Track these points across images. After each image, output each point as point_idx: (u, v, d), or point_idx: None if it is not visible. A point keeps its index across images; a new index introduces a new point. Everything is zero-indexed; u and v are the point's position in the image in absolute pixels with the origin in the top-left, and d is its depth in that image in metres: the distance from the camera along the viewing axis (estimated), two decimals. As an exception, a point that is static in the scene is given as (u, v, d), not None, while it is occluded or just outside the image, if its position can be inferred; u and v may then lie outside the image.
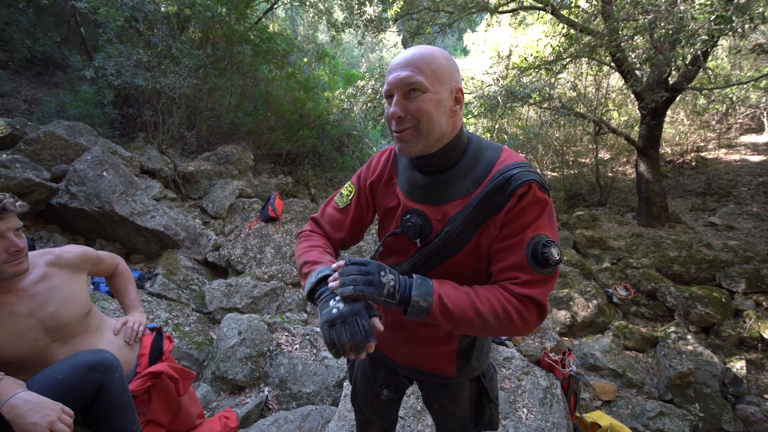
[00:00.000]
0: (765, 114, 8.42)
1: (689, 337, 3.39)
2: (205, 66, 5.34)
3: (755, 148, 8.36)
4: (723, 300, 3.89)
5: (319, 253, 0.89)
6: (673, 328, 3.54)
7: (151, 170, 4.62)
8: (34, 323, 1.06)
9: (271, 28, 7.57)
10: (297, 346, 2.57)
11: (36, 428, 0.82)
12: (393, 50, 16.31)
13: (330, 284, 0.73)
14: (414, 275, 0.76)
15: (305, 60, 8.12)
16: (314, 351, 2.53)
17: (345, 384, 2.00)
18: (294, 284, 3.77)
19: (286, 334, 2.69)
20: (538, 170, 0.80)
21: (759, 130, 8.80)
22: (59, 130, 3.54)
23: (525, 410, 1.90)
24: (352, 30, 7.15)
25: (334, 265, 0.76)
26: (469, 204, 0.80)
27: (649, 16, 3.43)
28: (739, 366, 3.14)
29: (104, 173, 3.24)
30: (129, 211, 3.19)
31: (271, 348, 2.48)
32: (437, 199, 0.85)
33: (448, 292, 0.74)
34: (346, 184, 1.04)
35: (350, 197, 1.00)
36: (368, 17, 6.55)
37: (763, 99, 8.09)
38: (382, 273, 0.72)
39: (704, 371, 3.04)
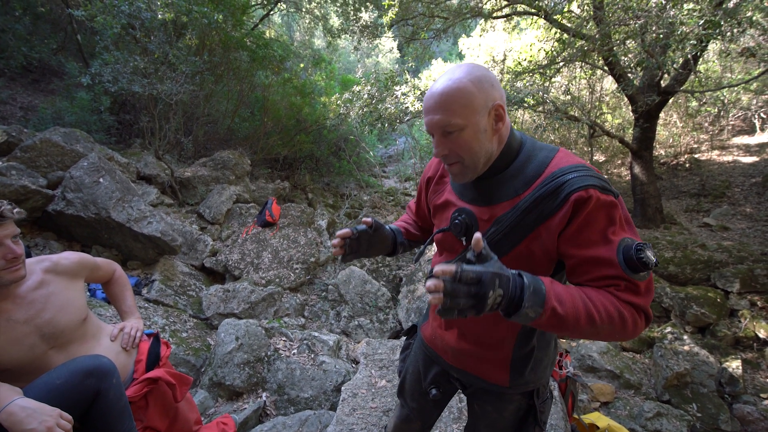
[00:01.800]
0: (756, 116, 8.54)
1: (685, 337, 3.41)
2: (202, 72, 5.36)
3: (747, 149, 8.47)
4: (718, 300, 3.92)
5: (398, 222, 1.17)
6: (669, 329, 3.56)
7: (148, 176, 4.62)
8: (31, 330, 1.06)
9: (267, 35, 7.61)
10: (295, 351, 2.57)
11: None
12: (389, 55, 16.42)
13: (430, 298, 0.63)
14: (523, 274, 0.67)
15: (302, 65, 8.17)
16: (312, 356, 2.53)
17: (343, 388, 2.01)
18: (291, 289, 3.77)
19: (284, 339, 2.69)
20: (598, 172, 0.81)
21: (750, 131, 8.92)
22: (55, 137, 3.54)
23: (523, 412, 1.90)
24: (348, 36, 7.21)
25: (437, 269, 0.63)
26: (517, 206, 0.79)
27: (640, 21, 3.49)
28: (735, 366, 3.16)
29: (101, 180, 3.24)
30: (126, 218, 3.18)
31: (268, 353, 2.48)
32: (486, 200, 0.85)
33: (561, 297, 0.67)
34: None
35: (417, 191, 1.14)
36: (364, 23, 6.61)
37: (754, 101, 8.21)
38: (491, 292, 0.62)
39: (701, 371, 3.06)
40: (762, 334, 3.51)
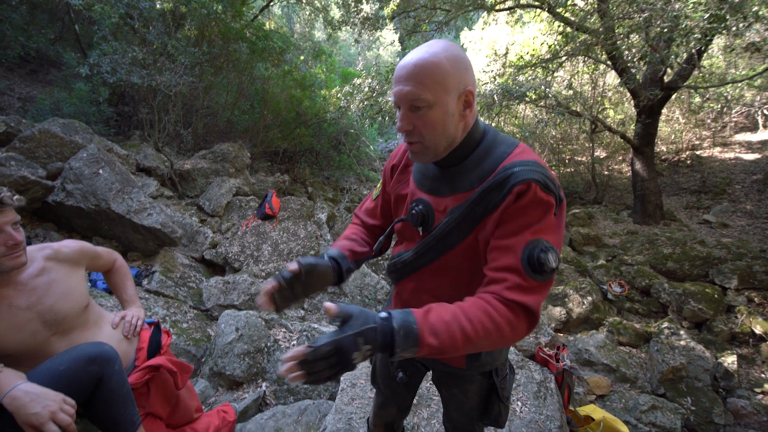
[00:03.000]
0: (759, 112, 8.51)
1: (682, 332, 3.44)
2: (201, 64, 5.33)
3: (749, 146, 8.45)
4: (716, 296, 3.95)
5: (339, 240, 1.03)
6: (666, 324, 3.58)
7: (148, 168, 4.61)
8: (33, 316, 1.07)
9: (267, 26, 7.55)
10: (294, 342, 2.59)
11: (38, 419, 0.83)
12: (390, 48, 16.28)
13: (290, 377, 0.62)
14: (393, 318, 0.67)
15: (302, 58, 8.11)
16: (311, 347, 2.55)
17: (342, 379, 2.03)
18: (291, 281, 3.79)
19: (284, 330, 2.71)
20: (549, 170, 0.80)
21: (753, 128, 8.89)
22: (54, 128, 3.52)
23: (519, 403, 1.93)
24: (348, 28, 7.14)
25: (287, 357, 0.62)
26: (468, 199, 0.80)
27: (645, 14, 3.46)
28: (730, 360, 3.19)
29: (100, 171, 3.23)
30: (125, 209, 3.19)
31: (268, 344, 2.50)
32: (442, 191, 0.85)
33: (436, 329, 0.67)
34: (380, 180, 1.11)
35: (380, 189, 1.08)
36: (365, 15, 6.55)
37: (758, 97, 8.16)
38: (355, 353, 0.63)
39: (696, 366, 3.09)
40: (758, 330, 3.54)
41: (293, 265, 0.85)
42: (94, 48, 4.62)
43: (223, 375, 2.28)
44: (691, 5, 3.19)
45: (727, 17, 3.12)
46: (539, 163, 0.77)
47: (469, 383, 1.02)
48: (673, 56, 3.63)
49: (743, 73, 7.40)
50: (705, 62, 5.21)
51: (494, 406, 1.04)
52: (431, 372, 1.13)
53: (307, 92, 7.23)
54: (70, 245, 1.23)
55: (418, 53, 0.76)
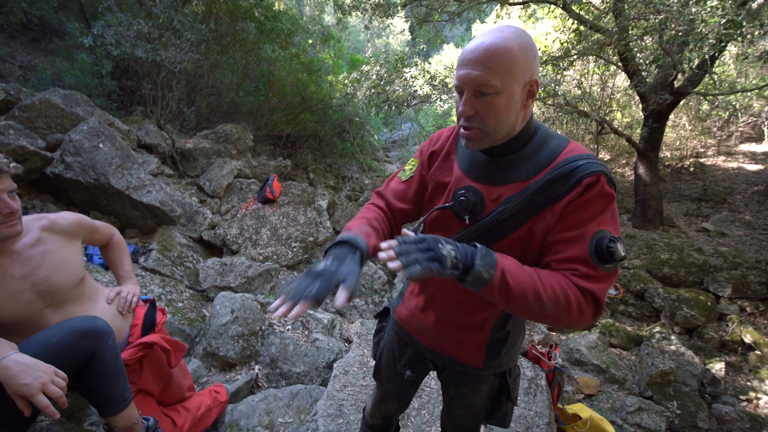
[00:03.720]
0: (766, 123, 8.45)
1: (673, 337, 3.47)
2: (208, 41, 5.23)
3: (753, 156, 8.41)
4: (709, 304, 3.97)
5: (360, 223, 0.90)
6: (658, 329, 3.61)
7: (149, 145, 4.57)
8: (27, 287, 1.06)
9: (276, 7, 7.39)
10: (289, 327, 2.60)
11: (29, 390, 0.83)
12: (400, 37, 16.03)
13: (390, 264, 0.65)
14: (476, 243, 0.71)
15: (310, 42, 7.97)
16: (306, 333, 2.56)
17: (335, 365, 2.04)
18: (288, 266, 3.79)
19: (279, 314, 2.71)
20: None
21: (759, 139, 8.84)
22: (55, 99, 3.47)
23: (509, 399, 1.95)
24: (359, 13, 7.00)
25: (384, 244, 0.68)
26: (528, 188, 0.78)
27: (660, 16, 3.39)
28: (718, 367, 3.22)
29: (100, 145, 3.19)
30: (125, 185, 3.16)
31: (263, 327, 2.51)
32: (495, 180, 0.83)
33: (512, 269, 0.69)
34: (410, 160, 1.03)
35: (413, 170, 1.00)
36: (376, 1, 6.42)
37: (766, 108, 8.10)
38: (441, 245, 0.67)
39: (685, 371, 3.12)
40: (748, 339, 3.57)
41: (344, 295, 0.67)
42: (98, 18, 4.52)
43: (216, 356, 2.30)
44: (709, 9, 3.12)
45: (744, 24, 3.07)
46: (597, 157, 0.78)
47: (482, 383, 1.00)
48: (686, 61, 3.57)
49: (753, 82, 7.32)
50: (716, 69, 5.15)
51: (503, 406, 1.03)
52: (440, 375, 1.09)
53: (314, 77, 7.13)
54: (67, 217, 1.21)
55: (489, 37, 0.73)
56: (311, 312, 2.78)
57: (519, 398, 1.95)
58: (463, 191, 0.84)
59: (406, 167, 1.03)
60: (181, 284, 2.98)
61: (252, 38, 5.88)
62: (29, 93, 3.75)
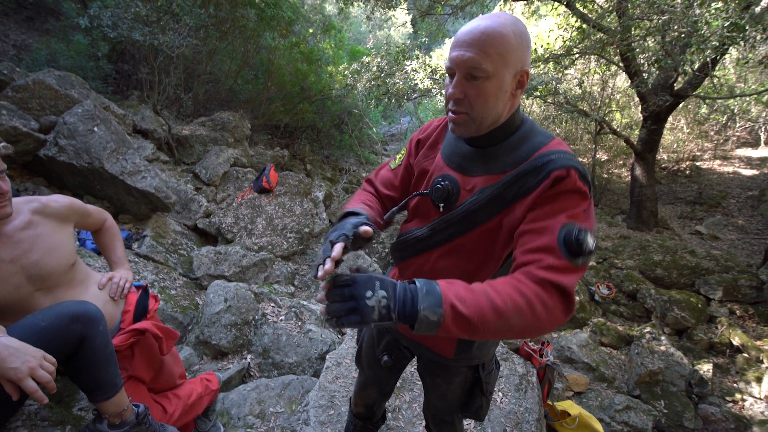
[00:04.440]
0: (763, 129, 8.50)
1: (663, 338, 3.51)
2: (207, 26, 5.14)
3: (749, 161, 8.48)
4: (699, 306, 4.02)
5: (355, 202, 0.92)
6: (648, 329, 3.65)
7: (145, 130, 4.50)
8: (17, 270, 1.04)
9: (277, -6, 7.27)
10: (282, 317, 2.60)
11: (16, 374, 0.81)
12: (401, 29, 15.88)
13: (319, 308, 0.65)
14: (416, 280, 0.65)
15: (310, 31, 7.86)
16: (299, 323, 2.56)
17: (328, 357, 2.04)
18: (283, 257, 3.78)
19: (273, 305, 2.71)
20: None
21: (755, 144, 8.91)
22: (49, 80, 3.40)
23: (500, 394, 1.96)
24: (361, 4, 6.91)
25: (322, 285, 0.66)
26: (501, 180, 0.78)
27: (664, 17, 3.38)
28: (706, 369, 3.27)
29: (95, 128, 3.14)
30: (119, 170, 3.12)
31: (256, 317, 2.50)
32: (473, 170, 0.83)
33: (461, 295, 0.62)
34: (402, 149, 1.05)
35: (402, 159, 1.02)
36: (379, -9, 6.33)
37: (764, 113, 8.15)
38: (369, 293, 0.61)
39: (673, 371, 3.17)
40: (736, 342, 3.63)
41: (366, 228, 0.75)
42: (94, -1, 4.42)
43: (209, 344, 2.29)
44: (713, 11, 3.11)
45: (747, 27, 3.06)
46: (574, 155, 0.76)
47: (454, 375, 1.01)
48: (687, 63, 3.56)
49: (753, 87, 7.34)
50: (717, 72, 5.16)
51: (476, 400, 1.04)
52: (418, 365, 1.12)
53: (314, 67, 7.05)
54: (59, 200, 1.19)
55: (486, 21, 0.72)
56: (305, 303, 2.78)
57: (510, 394, 1.97)
58: (440, 179, 0.85)
59: (397, 156, 1.05)
60: (175, 272, 2.96)
61: (252, 25, 5.79)
62: (23, 73, 3.67)
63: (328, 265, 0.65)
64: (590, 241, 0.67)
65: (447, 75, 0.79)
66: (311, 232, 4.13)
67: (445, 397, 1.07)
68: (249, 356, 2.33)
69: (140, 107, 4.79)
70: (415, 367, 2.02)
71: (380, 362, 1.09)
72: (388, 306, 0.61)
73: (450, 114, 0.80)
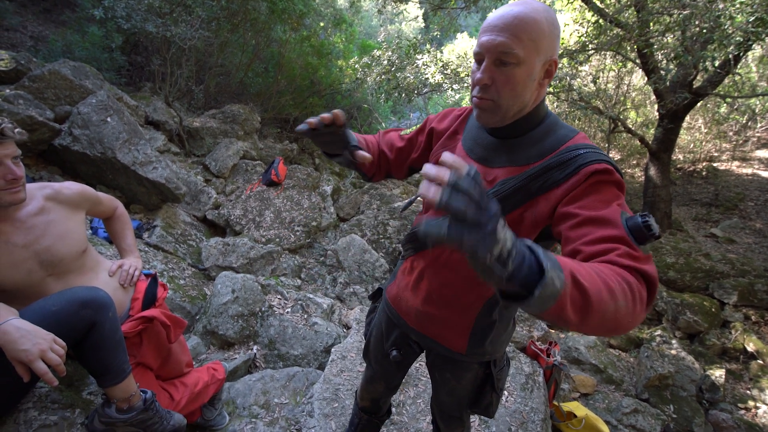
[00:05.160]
0: (785, 130, 8.23)
1: (674, 342, 3.44)
2: (218, 19, 5.15)
3: (769, 163, 8.23)
4: (713, 310, 3.93)
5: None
6: (659, 332, 3.59)
7: (156, 122, 4.55)
8: (30, 255, 1.05)
9: (289, -13, 7.24)
10: (289, 309, 2.61)
11: (27, 355, 0.83)
12: (413, 24, 15.74)
13: (427, 192, 0.46)
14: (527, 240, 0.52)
15: (321, 24, 7.82)
16: (305, 316, 2.57)
17: (333, 350, 2.04)
18: (290, 250, 3.79)
19: (279, 297, 2.72)
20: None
21: (776, 145, 8.63)
22: (65, 70, 3.45)
23: (506, 393, 1.94)
24: (373, -3, 6.85)
25: (450, 158, 0.49)
26: (525, 173, 0.76)
27: (685, 11, 3.27)
28: (718, 374, 3.20)
29: (108, 119, 3.18)
30: (131, 160, 3.15)
31: (263, 309, 2.52)
32: (494, 161, 0.82)
33: (574, 265, 0.51)
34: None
35: (412, 130, 1.04)
36: (391, -15, 6.26)
37: (786, 114, 7.88)
38: (499, 224, 0.45)
39: (683, 375, 3.11)
40: (750, 348, 3.54)
41: (327, 115, 0.83)
42: (109, -9, 4.45)
43: (215, 334, 2.31)
44: (738, 5, 3.00)
45: (774, 23, 2.95)
46: (600, 149, 0.74)
47: (465, 370, 1.00)
48: (709, 59, 3.45)
49: (776, 86, 7.10)
50: (739, 70, 5.00)
51: (486, 396, 1.03)
52: (427, 359, 1.10)
53: (324, 61, 7.02)
54: (71, 187, 1.20)
55: (518, 7, 0.71)
56: (311, 296, 2.78)
57: (516, 393, 1.95)
58: None
59: (414, 127, 1.07)
60: (184, 262, 2.99)
61: (263, 18, 5.78)
62: (39, 63, 3.73)
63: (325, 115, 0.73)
64: (656, 226, 0.62)
65: (474, 61, 0.77)
66: (319, 225, 4.14)
67: (454, 393, 1.05)
68: (255, 347, 2.35)
69: (152, 99, 4.84)
70: (421, 362, 2.01)
71: (388, 357, 1.08)
72: (510, 251, 0.45)
73: (475, 100, 0.78)
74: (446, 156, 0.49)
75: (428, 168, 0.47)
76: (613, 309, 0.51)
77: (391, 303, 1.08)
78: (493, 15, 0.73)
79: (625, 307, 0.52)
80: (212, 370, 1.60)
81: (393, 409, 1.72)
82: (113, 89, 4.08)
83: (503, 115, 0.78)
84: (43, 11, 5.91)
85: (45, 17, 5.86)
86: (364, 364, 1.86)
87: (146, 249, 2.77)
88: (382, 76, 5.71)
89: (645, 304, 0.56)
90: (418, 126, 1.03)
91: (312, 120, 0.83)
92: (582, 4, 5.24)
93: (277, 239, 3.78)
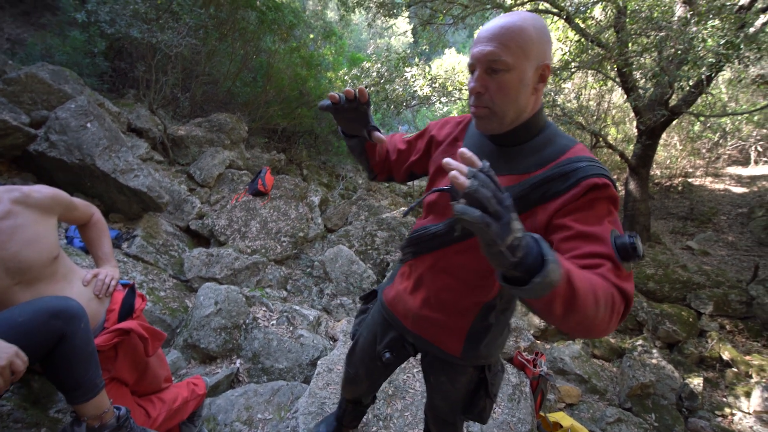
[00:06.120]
0: (753, 148, 8.68)
1: (654, 351, 3.51)
2: (206, 27, 5.13)
3: (739, 179, 8.63)
4: (690, 320, 4.04)
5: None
6: (640, 342, 3.65)
7: (139, 129, 4.45)
8: (-5, 262, 1.00)
9: (279, -2, 7.30)
10: (274, 321, 2.54)
11: None
12: (402, 38, 16.06)
13: (458, 178, 0.50)
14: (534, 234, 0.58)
15: (311, 36, 7.89)
16: (291, 328, 2.51)
17: (319, 363, 1.99)
18: (277, 261, 3.72)
19: (264, 309, 2.65)
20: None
21: (745, 162, 9.08)
22: (43, 74, 3.35)
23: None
24: (362, 11, 6.97)
25: (468, 152, 0.55)
26: (525, 182, 0.78)
27: (661, 33, 3.44)
28: (696, 382, 3.27)
29: (88, 125, 3.09)
30: (111, 168, 3.06)
31: (247, 321, 2.45)
32: (496, 169, 0.82)
33: (571, 267, 0.57)
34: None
35: (414, 134, 1.07)
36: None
37: (754, 132, 8.33)
38: (515, 215, 0.52)
39: (664, 384, 3.16)
40: (726, 356, 3.64)
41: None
42: (93, -5, 4.39)
43: (197, 348, 2.23)
44: (710, 28, 3.18)
45: (742, 46, 3.13)
46: (600, 162, 0.77)
47: (460, 374, 1.01)
48: (684, 79, 3.63)
49: (744, 107, 7.51)
50: (711, 91, 5.28)
51: (480, 401, 1.04)
52: (422, 363, 1.11)
53: (313, 72, 7.05)
54: (42, 191, 1.14)
55: (505, 18, 0.76)
56: (297, 307, 2.73)
57: (503, 404, 1.93)
58: None
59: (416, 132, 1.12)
60: (165, 273, 2.89)
61: (252, 28, 5.79)
62: (15, 66, 3.62)
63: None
64: (640, 247, 0.66)
65: (469, 72, 0.81)
66: (306, 236, 4.09)
67: (449, 397, 1.06)
68: (238, 361, 2.27)
69: (136, 106, 4.74)
70: (408, 374, 1.98)
71: (380, 358, 1.08)
72: (519, 241, 0.51)
73: (472, 108, 0.81)
74: (463, 151, 0.55)
75: (449, 160, 0.54)
76: (593, 314, 0.58)
77: (388, 305, 1.09)
78: (483, 28, 0.77)
79: (603, 314, 0.59)
80: (192, 385, 1.53)
81: (380, 423, 1.68)
82: (94, 95, 3.98)
83: (500, 122, 0.80)
84: (21, 14, 5.76)
85: (24, 20, 5.72)
86: (345, 365, 1.85)
87: (125, 259, 2.67)
88: (371, 88, 5.77)
89: (619, 318, 0.63)
90: (420, 130, 1.07)
91: (334, 94, 0.84)
92: (565, 24, 5.46)
93: (263, 250, 3.71)
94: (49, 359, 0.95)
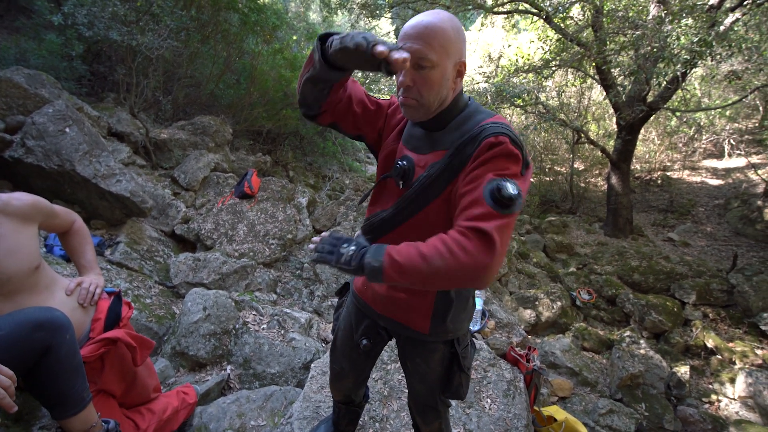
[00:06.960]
0: (726, 141, 9.01)
1: (642, 341, 3.60)
2: (188, 29, 5.03)
3: (715, 172, 8.94)
4: (675, 310, 4.15)
5: None
6: (628, 333, 3.74)
7: (120, 133, 4.33)
8: (-27, 274, 0.95)
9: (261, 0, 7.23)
10: (264, 325, 2.50)
11: None
12: (385, 38, 16.11)
13: (310, 245, 0.86)
14: (372, 245, 0.80)
15: (294, 38, 7.83)
16: (282, 332, 2.47)
17: (313, 366, 1.97)
18: (265, 264, 3.67)
19: (254, 313, 2.61)
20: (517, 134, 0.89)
21: (719, 155, 9.42)
22: (18, 78, 3.23)
23: (489, 400, 1.94)
24: (345, 12, 6.96)
25: (315, 238, 0.87)
26: (447, 154, 0.87)
27: (637, 32, 3.54)
28: (683, 371, 3.36)
29: (67, 129, 2.99)
30: (92, 173, 2.97)
31: (236, 326, 2.40)
32: (425, 149, 0.93)
33: (399, 248, 0.76)
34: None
35: (377, 100, 1.07)
36: (363, 0, 6.39)
37: (727, 126, 8.64)
38: (345, 245, 0.81)
39: (653, 374, 3.24)
40: (710, 344, 3.75)
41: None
42: (69, -3, 4.25)
43: (185, 355, 2.18)
44: (684, 26, 3.29)
45: (714, 43, 3.25)
46: (512, 128, 0.85)
47: (432, 351, 1.06)
48: (662, 75, 3.74)
49: (716, 102, 7.79)
50: (687, 86, 5.46)
51: (455, 377, 1.08)
52: (398, 350, 1.16)
53: (297, 73, 6.97)
54: (21, 198, 1.10)
55: (427, 17, 0.82)
56: (287, 310, 2.69)
57: (498, 401, 1.95)
58: (400, 160, 0.96)
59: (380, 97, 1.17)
60: (150, 279, 2.82)
61: (235, 30, 5.71)
62: (-13, 71, 3.47)
63: (382, 48, 0.71)
64: (510, 188, 0.72)
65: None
66: (294, 238, 4.05)
67: (426, 379, 1.11)
68: (229, 367, 2.23)
69: (116, 110, 4.62)
70: (403, 375, 1.98)
71: (358, 347, 1.13)
72: (351, 257, 0.78)
73: (401, 98, 0.89)
74: (323, 235, 0.87)
75: (315, 238, 0.87)
76: (430, 268, 0.72)
77: (359, 294, 1.15)
78: (407, 25, 0.83)
79: (443, 261, 0.71)
80: (182, 394, 1.49)
81: (376, 425, 1.67)
82: (73, 99, 3.85)
83: (426, 111, 0.89)
84: (-7, 17, 5.55)
85: (-4, 23, 5.50)
86: (330, 362, 1.85)
87: (108, 267, 2.59)
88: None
89: (478, 254, 0.70)
90: (384, 99, 1.09)
91: (383, 50, 0.72)
92: (545, 24, 5.56)
93: (251, 253, 3.65)
94: (33, 373, 0.91)
